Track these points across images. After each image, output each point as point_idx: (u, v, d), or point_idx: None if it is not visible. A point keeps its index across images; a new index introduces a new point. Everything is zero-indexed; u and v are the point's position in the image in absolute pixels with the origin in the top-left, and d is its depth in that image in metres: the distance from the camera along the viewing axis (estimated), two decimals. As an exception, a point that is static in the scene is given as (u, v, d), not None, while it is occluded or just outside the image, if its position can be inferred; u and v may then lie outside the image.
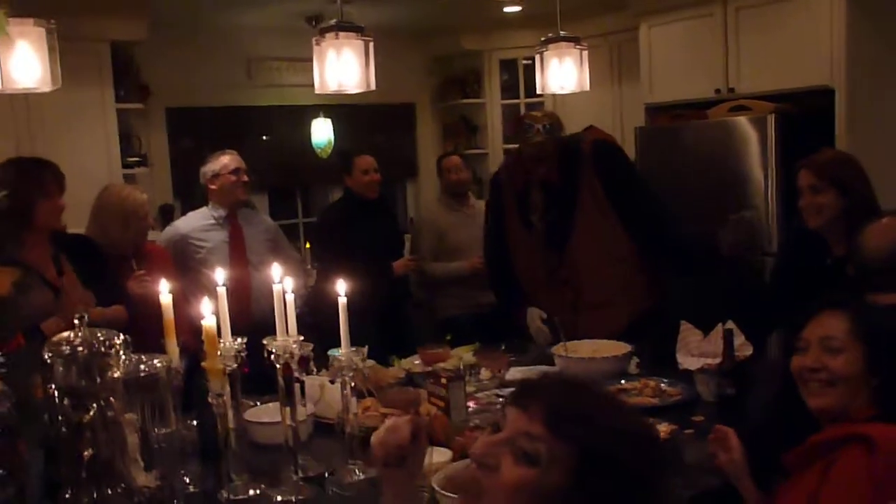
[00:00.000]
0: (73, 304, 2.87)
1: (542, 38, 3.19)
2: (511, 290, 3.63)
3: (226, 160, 3.88)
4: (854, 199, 2.73)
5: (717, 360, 2.66)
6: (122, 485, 1.80)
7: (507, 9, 5.53)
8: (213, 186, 3.88)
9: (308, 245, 5.88)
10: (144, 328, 2.70)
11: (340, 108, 5.69)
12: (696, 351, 2.90)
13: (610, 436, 1.05)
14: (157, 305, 2.12)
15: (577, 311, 3.39)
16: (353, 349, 2.15)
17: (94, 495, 1.76)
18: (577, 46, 3.13)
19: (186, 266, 3.80)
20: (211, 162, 3.89)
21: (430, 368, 3.02)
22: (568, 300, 3.42)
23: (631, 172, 3.54)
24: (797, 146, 3.53)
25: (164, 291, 2.11)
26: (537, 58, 3.18)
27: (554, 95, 4.25)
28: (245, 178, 3.90)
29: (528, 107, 6.30)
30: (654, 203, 3.45)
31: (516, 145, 6.17)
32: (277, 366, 2.07)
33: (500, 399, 2.66)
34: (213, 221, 3.88)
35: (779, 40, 4.39)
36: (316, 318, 3.87)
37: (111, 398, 1.78)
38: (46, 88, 2.17)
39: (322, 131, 5.74)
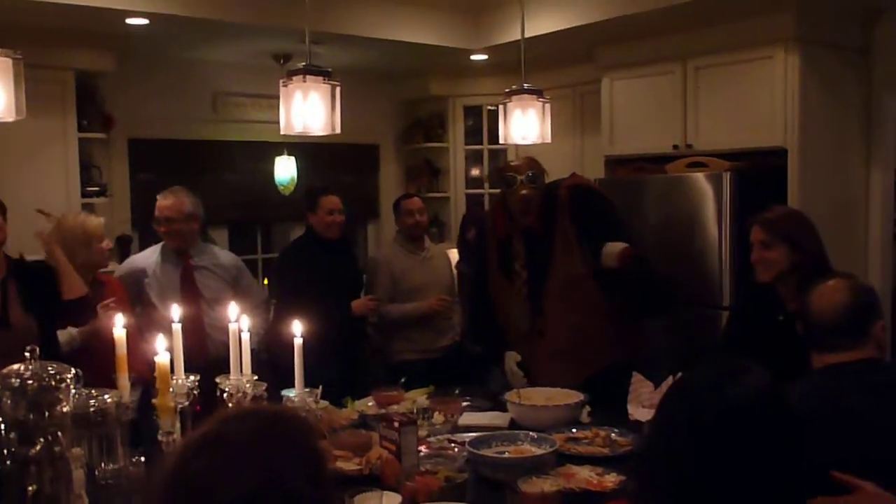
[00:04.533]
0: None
1: (507, 90, 3.24)
2: (494, 338, 3.62)
3: (158, 207, 3.84)
4: (804, 255, 2.81)
5: (667, 412, 2.70)
6: (66, 521, 1.78)
7: (474, 57, 5.62)
8: (159, 229, 3.88)
9: (266, 281, 5.87)
10: (95, 359, 2.69)
11: (304, 147, 5.71)
12: (647, 402, 2.93)
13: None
14: (109, 338, 2.11)
15: (550, 359, 3.38)
16: (307, 390, 2.16)
17: (37, 531, 1.73)
18: (540, 99, 3.19)
19: (141, 300, 3.78)
20: (158, 203, 3.85)
21: (383, 410, 3.02)
22: (543, 349, 3.41)
23: (606, 214, 3.46)
24: (751, 203, 3.61)
25: (119, 325, 2.10)
26: (500, 108, 3.23)
27: (517, 146, 4.31)
28: (178, 226, 3.80)
29: (492, 153, 6.38)
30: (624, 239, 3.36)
31: (478, 190, 6.35)
32: (230, 406, 2.06)
33: (452, 444, 2.67)
34: (165, 258, 3.87)
35: (736, 100, 4.51)
36: (271, 355, 3.86)
37: (59, 433, 1.77)
38: (10, 118, 2.16)
39: (285, 169, 5.75)
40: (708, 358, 1.43)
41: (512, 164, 3.53)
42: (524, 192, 3.34)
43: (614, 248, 3.23)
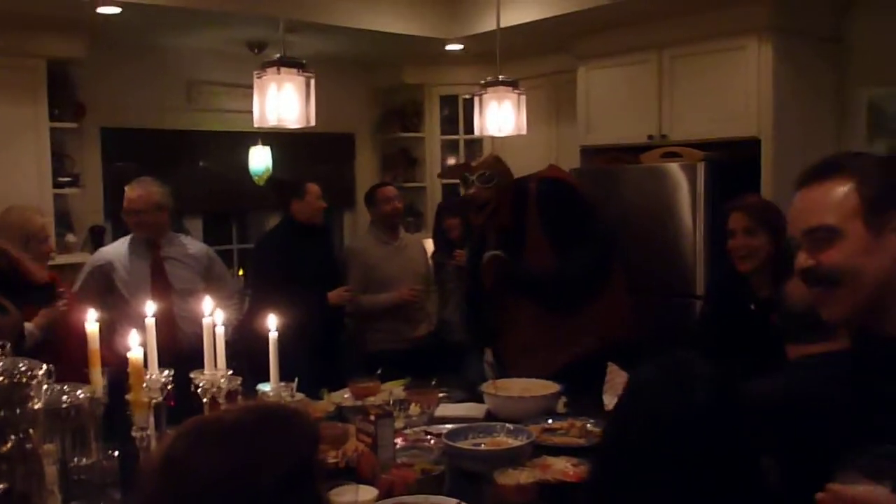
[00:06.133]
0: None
1: (482, 81, 3.24)
2: (481, 328, 3.65)
3: (127, 198, 3.82)
4: (782, 245, 2.82)
5: (642, 403, 2.71)
6: (38, 519, 1.76)
7: (449, 46, 5.60)
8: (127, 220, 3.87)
9: (241, 272, 5.84)
10: (59, 354, 2.66)
11: (279, 136, 5.66)
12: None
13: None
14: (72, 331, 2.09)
15: (519, 352, 3.39)
16: (283, 384, 2.15)
17: (9, 530, 1.71)
18: (516, 91, 3.19)
19: (111, 293, 3.75)
20: (126, 195, 3.83)
21: (360, 402, 3.02)
22: (511, 342, 3.42)
23: (572, 208, 3.47)
24: (725, 193, 3.64)
25: (91, 320, 2.08)
26: (476, 100, 3.23)
27: (492, 137, 4.31)
28: (147, 217, 3.79)
29: (468, 143, 6.36)
30: (589, 243, 3.40)
31: (454, 181, 6.32)
32: (204, 400, 2.05)
33: (429, 436, 2.67)
34: (135, 249, 3.84)
35: (710, 90, 4.53)
36: (248, 346, 3.84)
37: (30, 429, 1.75)
38: (-22, 110, 2.13)
39: (260, 159, 5.72)
40: (658, 356, 1.44)
41: (470, 163, 3.59)
42: (471, 191, 3.37)
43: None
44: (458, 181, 3.80)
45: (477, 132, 3.36)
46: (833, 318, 1.48)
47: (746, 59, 4.37)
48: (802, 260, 1.48)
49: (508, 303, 3.43)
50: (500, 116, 3.18)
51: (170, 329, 3.61)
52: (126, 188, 3.84)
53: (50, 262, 3.80)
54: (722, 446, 1.29)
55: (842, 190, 1.42)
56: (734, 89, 4.43)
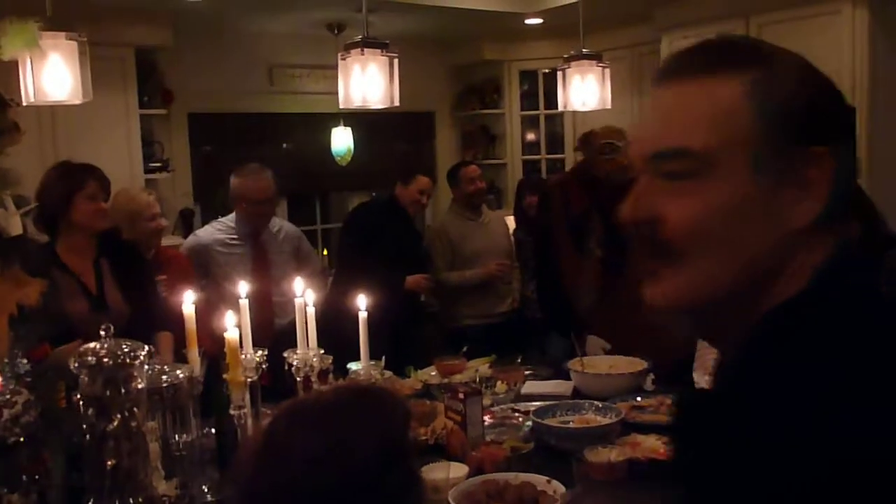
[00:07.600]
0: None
1: (565, 56, 3.20)
2: (562, 309, 3.57)
3: (249, 188, 3.75)
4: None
5: (734, 380, 2.66)
6: (144, 493, 1.83)
7: (529, 21, 5.54)
8: (244, 209, 3.79)
9: (326, 252, 5.93)
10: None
11: (360, 116, 5.70)
12: (713, 369, 2.89)
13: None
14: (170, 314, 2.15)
15: (639, 334, 3.31)
16: (372, 363, 2.17)
17: (117, 504, 1.78)
18: (600, 64, 3.14)
19: (207, 275, 3.78)
20: (248, 185, 3.76)
21: (446, 380, 3.03)
22: (629, 324, 3.34)
23: None
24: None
25: (188, 301, 2.13)
26: (559, 74, 3.20)
27: (574, 112, 4.26)
28: (267, 208, 3.80)
29: (548, 118, 6.31)
30: None
31: (535, 156, 6.28)
32: (298, 379, 2.09)
33: (516, 413, 2.67)
34: (235, 237, 3.81)
35: (801, 58, 4.38)
36: (327, 324, 3.87)
37: (134, 408, 1.81)
38: (78, 101, 2.20)
39: (342, 139, 5.77)
40: None
41: (612, 131, 3.34)
42: (624, 161, 3.14)
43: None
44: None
45: (560, 107, 3.31)
46: (656, 303, 0.89)
47: (840, 26, 4.21)
48: (630, 208, 0.86)
49: (631, 284, 3.31)
50: (584, 90, 3.14)
51: (267, 313, 3.65)
52: (248, 178, 3.77)
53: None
54: None
55: (726, 94, 0.79)
56: (826, 57, 4.21)
